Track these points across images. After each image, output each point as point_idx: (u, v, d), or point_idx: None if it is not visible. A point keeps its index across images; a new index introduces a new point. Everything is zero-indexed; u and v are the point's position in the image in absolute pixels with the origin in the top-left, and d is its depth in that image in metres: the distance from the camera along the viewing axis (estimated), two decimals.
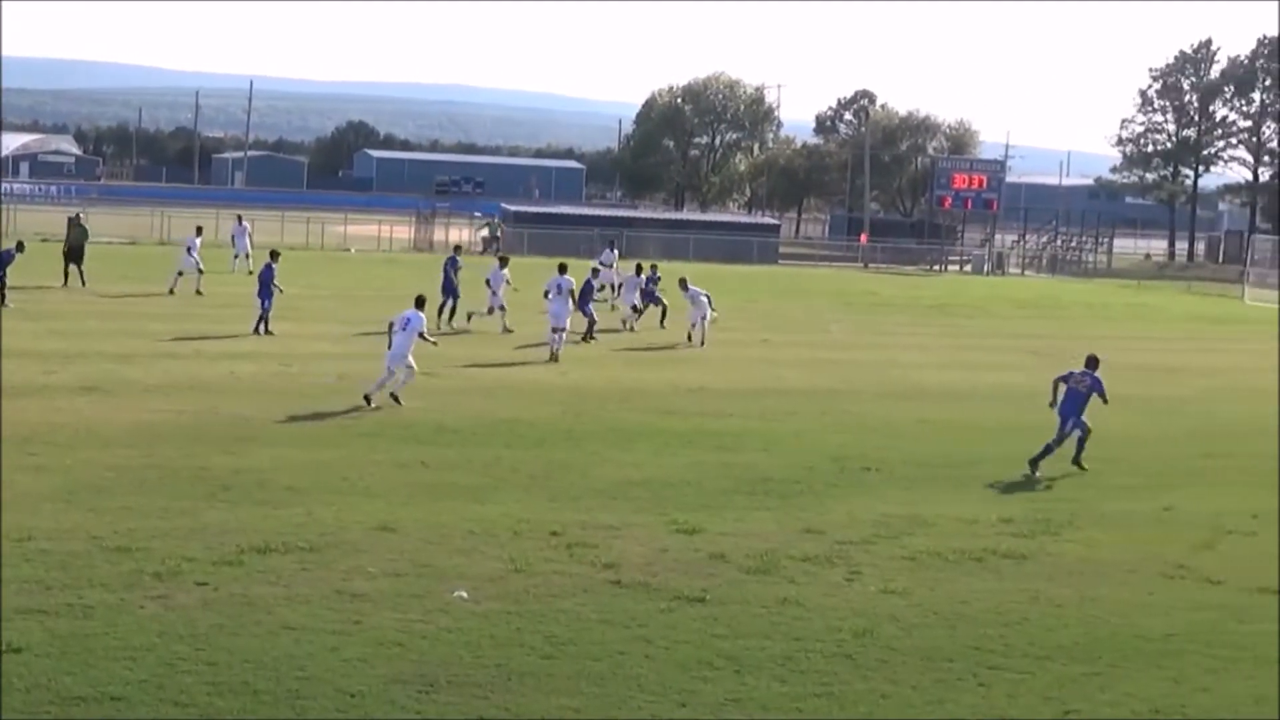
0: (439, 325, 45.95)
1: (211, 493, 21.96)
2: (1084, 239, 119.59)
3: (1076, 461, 27.32)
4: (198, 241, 55.66)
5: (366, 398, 30.38)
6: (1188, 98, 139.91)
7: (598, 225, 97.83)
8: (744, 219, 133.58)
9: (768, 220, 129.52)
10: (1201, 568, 20.25)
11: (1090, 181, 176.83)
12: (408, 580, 17.73)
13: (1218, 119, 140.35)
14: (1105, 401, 27.73)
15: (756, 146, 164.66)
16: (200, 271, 53.17)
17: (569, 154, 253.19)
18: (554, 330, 39.58)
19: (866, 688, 14.91)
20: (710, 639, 16.11)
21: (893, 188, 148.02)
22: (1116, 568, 20.09)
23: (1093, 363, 28.43)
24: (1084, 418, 27.44)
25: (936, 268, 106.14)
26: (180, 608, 16.30)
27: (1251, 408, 37.32)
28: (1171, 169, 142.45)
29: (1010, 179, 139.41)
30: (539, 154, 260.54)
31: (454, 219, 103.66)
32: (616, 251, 57.33)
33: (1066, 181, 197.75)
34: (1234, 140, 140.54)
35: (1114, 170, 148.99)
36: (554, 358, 39.01)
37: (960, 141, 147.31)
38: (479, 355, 39.58)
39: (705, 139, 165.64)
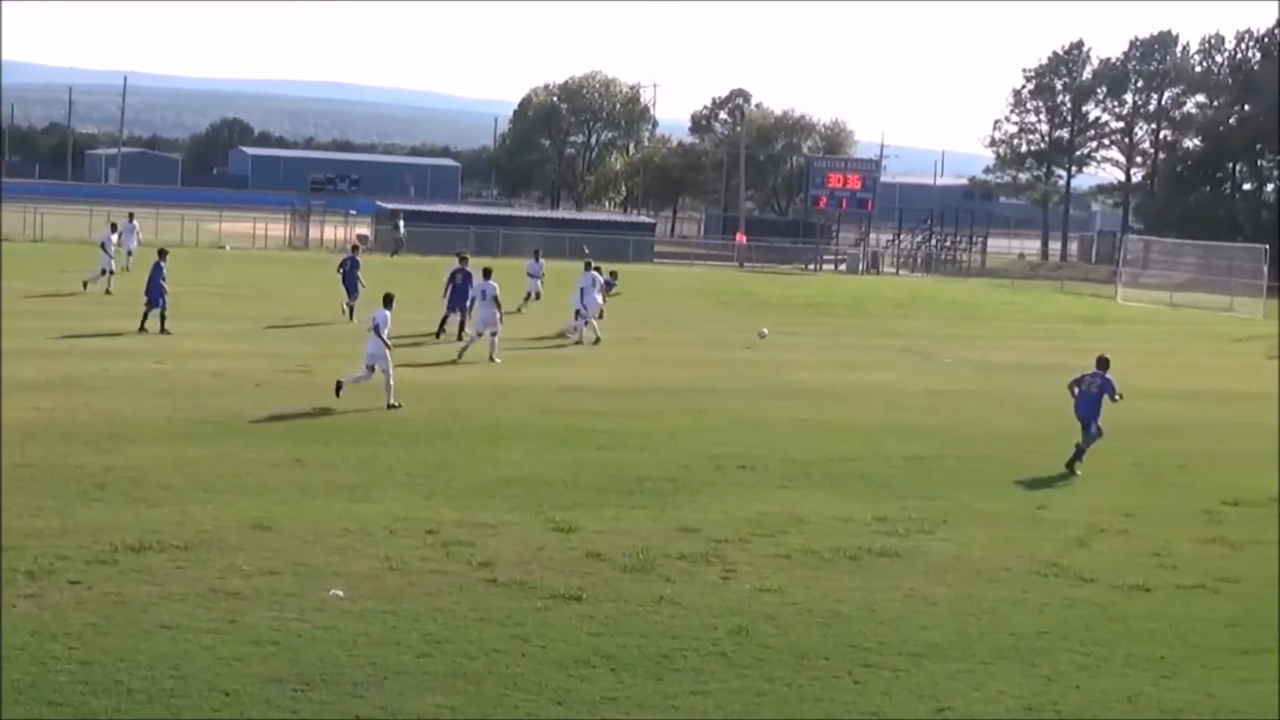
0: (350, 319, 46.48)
1: (85, 491, 21.74)
2: (958, 238, 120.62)
3: (1070, 465, 27.99)
4: (113, 238, 55.40)
5: (389, 405, 30.74)
6: (1060, 98, 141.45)
7: (473, 224, 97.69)
8: (620, 218, 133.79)
9: (643, 219, 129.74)
10: (1074, 566, 20.47)
11: (964, 181, 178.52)
12: (283, 579, 17.63)
13: (1090, 119, 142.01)
14: (1115, 400, 28.66)
15: (632, 145, 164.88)
16: (103, 272, 52.69)
17: (445, 152, 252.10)
18: (489, 334, 39.40)
19: (742, 686, 14.96)
20: (587, 637, 16.12)
21: (768, 187, 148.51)
22: (990, 566, 20.27)
23: (1103, 364, 29.47)
24: (1100, 422, 28.39)
25: (812, 267, 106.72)
26: (54, 606, 16.13)
27: (1124, 406, 37.70)
28: (1045, 169, 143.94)
29: (885, 178, 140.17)
30: (414, 152, 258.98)
31: (329, 217, 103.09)
32: (542, 261, 57.16)
33: (941, 181, 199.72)
34: (1106, 141, 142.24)
35: (988, 170, 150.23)
36: (492, 358, 38.94)
37: (835, 141, 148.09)
38: (356, 353, 39.40)
39: (581, 138, 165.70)
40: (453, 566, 18.61)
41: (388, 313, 31.98)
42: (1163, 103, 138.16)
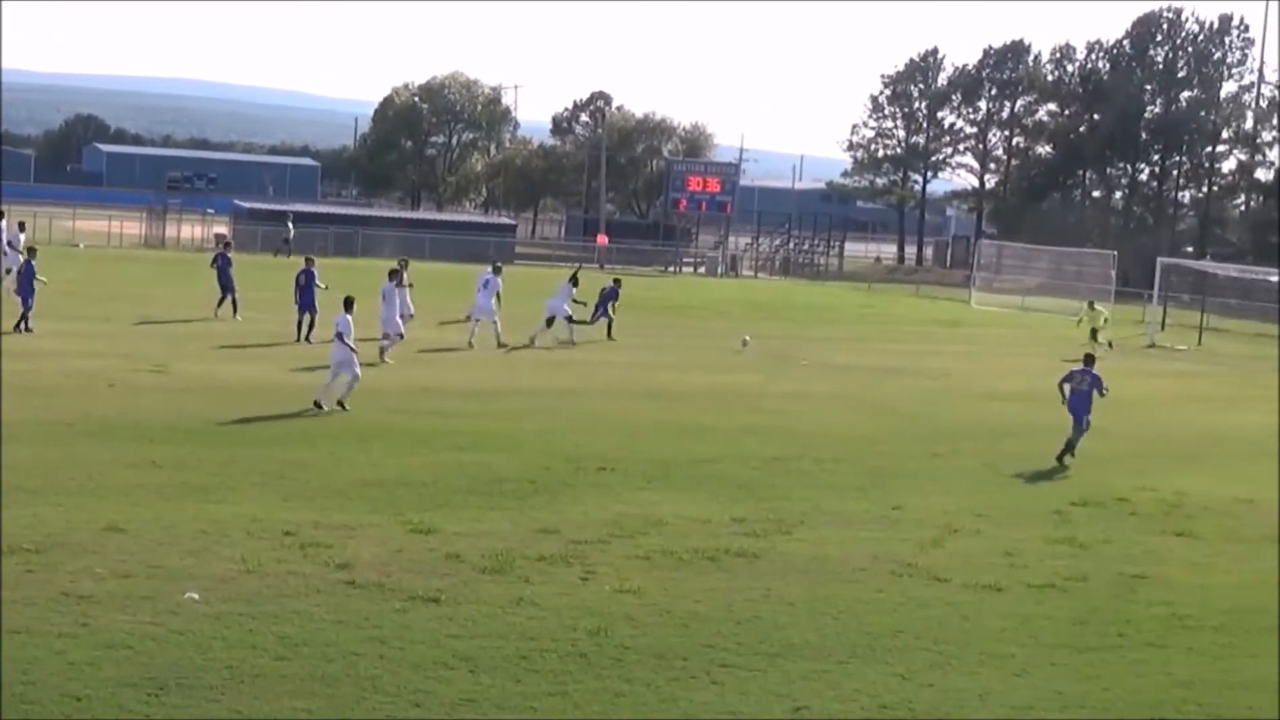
0: (215, 316, 46.11)
1: None
2: (816, 242, 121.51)
3: (1060, 457, 30.44)
4: (21, 237, 54.44)
5: (340, 403, 31.03)
6: (917, 104, 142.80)
7: (333, 224, 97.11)
8: (480, 219, 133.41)
9: (504, 220, 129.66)
10: (928, 566, 20.69)
11: (822, 185, 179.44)
12: (137, 581, 17.43)
13: (945, 126, 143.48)
14: (1102, 395, 31.53)
15: (493, 147, 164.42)
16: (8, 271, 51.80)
17: (304, 151, 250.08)
18: (385, 336, 39.26)
19: (600, 686, 14.99)
20: (445, 639, 16.08)
21: (629, 189, 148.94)
22: (846, 566, 20.44)
23: (1090, 360, 32.49)
24: (1090, 416, 31.07)
25: (671, 269, 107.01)
26: None
27: (977, 408, 38.23)
28: (901, 174, 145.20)
29: (744, 182, 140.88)
30: (274, 151, 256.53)
31: (186, 215, 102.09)
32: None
33: (799, 185, 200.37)
34: (961, 147, 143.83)
35: (845, 175, 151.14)
36: (382, 359, 38.72)
37: (695, 144, 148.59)
38: (211, 354, 39.09)
39: (442, 138, 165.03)
40: (310, 568, 18.50)
41: (349, 317, 32.16)
42: (1015, 110, 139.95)
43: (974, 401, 39.72)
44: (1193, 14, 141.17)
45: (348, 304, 32.64)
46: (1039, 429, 35.05)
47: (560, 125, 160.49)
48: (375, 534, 20.51)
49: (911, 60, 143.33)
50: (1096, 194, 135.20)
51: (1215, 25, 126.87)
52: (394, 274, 41.06)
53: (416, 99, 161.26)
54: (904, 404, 38.48)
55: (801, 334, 57.82)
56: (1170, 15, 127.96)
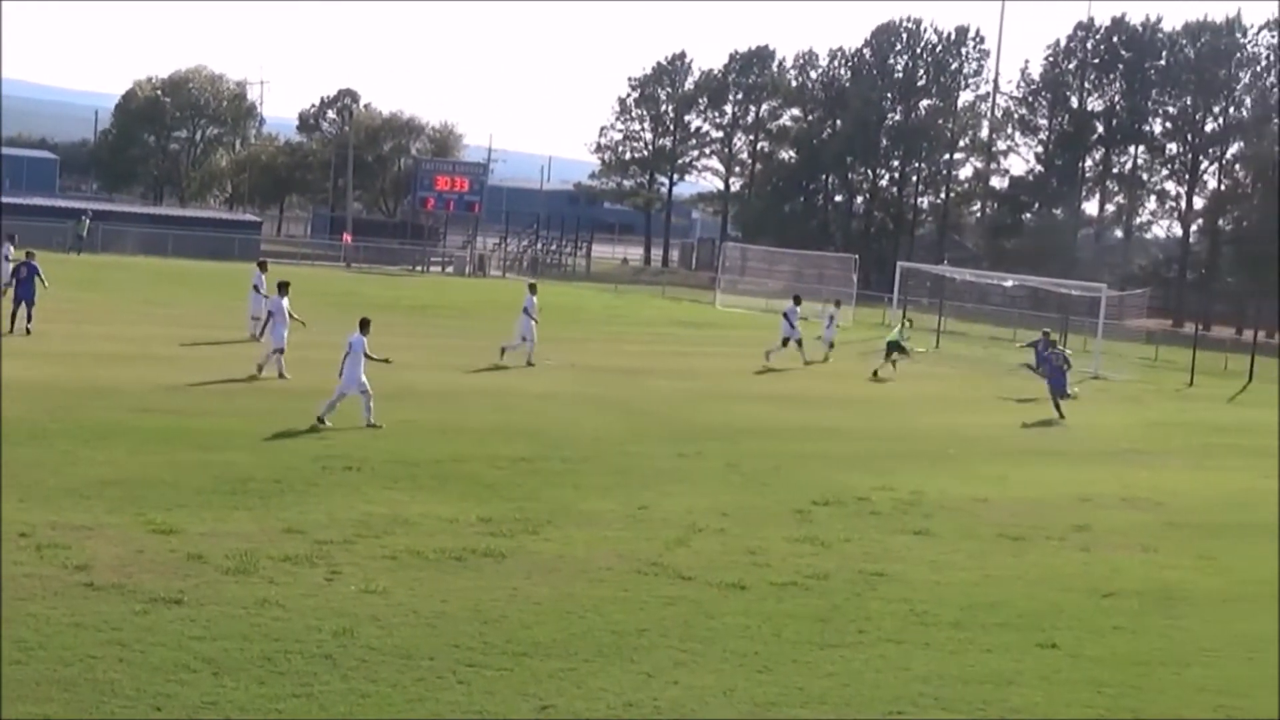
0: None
1: None
2: (564, 243, 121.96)
3: None
4: None
5: (320, 419, 31.00)
6: (664, 107, 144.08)
7: (72, 218, 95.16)
8: (225, 215, 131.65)
9: (249, 217, 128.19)
10: (673, 564, 20.85)
11: (570, 187, 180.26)
12: None
13: (692, 129, 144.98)
14: None
15: (238, 143, 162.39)
16: None
17: (42, 144, 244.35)
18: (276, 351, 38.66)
19: (346, 688, 14.88)
20: (187, 641, 15.83)
21: (376, 188, 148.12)
22: (592, 565, 20.53)
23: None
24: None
25: (419, 268, 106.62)
26: None
27: (722, 409, 38.60)
28: (648, 177, 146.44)
29: (492, 182, 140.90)
30: (10, 143, 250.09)
31: None
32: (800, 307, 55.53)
33: (548, 186, 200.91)
34: (707, 150, 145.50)
35: (593, 176, 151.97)
36: (258, 371, 38.55)
37: (444, 144, 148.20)
38: None
39: (186, 133, 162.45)
40: (47, 570, 18.10)
41: (364, 337, 31.99)
42: (760, 115, 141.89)
43: (719, 402, 40.13)
44: (931, 24, 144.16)
45: (363, 325, 32.55)
46: (783, 429, 35.60)
47: (307, 122, 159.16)
48: (115, 534, 20.14)
49: (659, 64, 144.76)
50: (839, 199, 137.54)
51: (952, 36, 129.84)
52: (284, 287, 40.18)
53: (159, 93, 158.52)
54: (651, 404, 38.74)
55: (549, 335, 57.85)
56: (910, 25, 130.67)
